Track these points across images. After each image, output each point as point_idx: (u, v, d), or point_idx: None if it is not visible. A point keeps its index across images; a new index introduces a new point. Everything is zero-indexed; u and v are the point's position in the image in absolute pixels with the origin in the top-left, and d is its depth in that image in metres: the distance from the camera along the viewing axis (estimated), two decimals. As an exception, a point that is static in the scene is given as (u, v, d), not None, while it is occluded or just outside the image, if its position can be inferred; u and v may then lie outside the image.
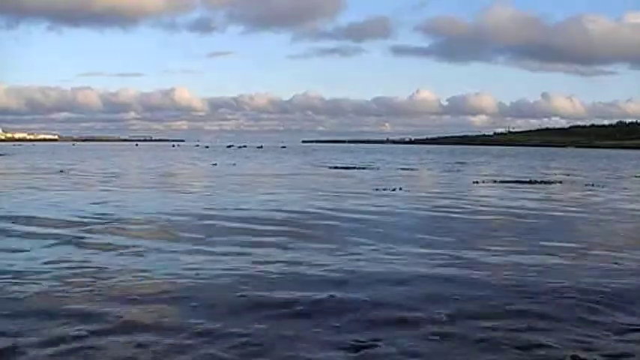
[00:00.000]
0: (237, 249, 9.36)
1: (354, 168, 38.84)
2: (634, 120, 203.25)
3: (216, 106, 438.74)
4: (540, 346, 5.13)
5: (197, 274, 7.55)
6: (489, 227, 12.37)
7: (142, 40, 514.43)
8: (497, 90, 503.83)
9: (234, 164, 43.57)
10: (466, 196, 19.55)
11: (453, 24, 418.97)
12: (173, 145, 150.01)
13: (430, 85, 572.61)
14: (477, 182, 26.49)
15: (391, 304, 6.31)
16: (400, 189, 20.55)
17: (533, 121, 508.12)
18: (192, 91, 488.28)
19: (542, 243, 10.20)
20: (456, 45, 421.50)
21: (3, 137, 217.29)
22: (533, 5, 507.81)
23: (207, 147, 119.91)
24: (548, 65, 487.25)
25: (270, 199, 17.57)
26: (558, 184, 25.54)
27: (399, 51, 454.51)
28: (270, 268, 7.96)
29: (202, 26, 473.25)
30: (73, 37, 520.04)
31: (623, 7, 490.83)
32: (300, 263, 8.29)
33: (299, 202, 16.70)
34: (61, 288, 6.80)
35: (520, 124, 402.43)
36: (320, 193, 19.71)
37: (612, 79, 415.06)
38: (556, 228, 12.35)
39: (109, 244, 9.69)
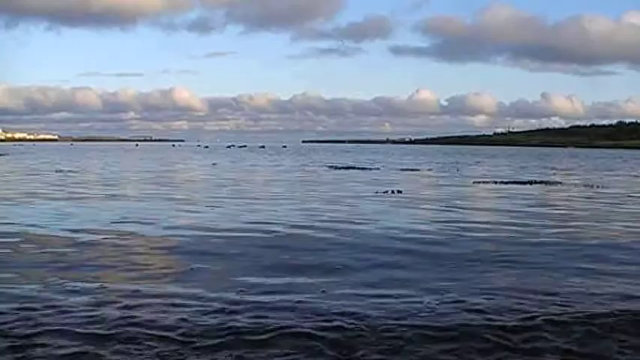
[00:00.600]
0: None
1: (354, 168, 38.81)
2: (634, 120, 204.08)
3: (216, 106, 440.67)
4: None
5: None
6: (494, 238, 11.23)
7: (140, 40, 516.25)
8: (496, 90, 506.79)
9: (234, 162, 43.53)
10: (468, 197, 19.52)
11: (452, 24, 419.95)
12: (173, 145, 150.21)
13: (430, 85, 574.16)
14: (478, 182, 26.55)
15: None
16: (400, 191, 20.44)
17: (532, 121, 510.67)
18: (191, 91, 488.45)
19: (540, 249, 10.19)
20: (455, 45, 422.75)
21: (3, 137, 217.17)
22: (533, 5, 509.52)
23: (206, 147, 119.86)
24: (548, 65, 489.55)
25: (269, 207, 17.47)
26: (558, 185, 25.54)
27: (398, 51, 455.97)
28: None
29: (201, 26, 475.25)
30: (72, 37, 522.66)
31: (623, 7, 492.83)
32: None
33: (293, 208, 16.63)
34: None
35: (520, 124, 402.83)
36: (318, 196, 19.68)
37: (612, 79, 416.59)
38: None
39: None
